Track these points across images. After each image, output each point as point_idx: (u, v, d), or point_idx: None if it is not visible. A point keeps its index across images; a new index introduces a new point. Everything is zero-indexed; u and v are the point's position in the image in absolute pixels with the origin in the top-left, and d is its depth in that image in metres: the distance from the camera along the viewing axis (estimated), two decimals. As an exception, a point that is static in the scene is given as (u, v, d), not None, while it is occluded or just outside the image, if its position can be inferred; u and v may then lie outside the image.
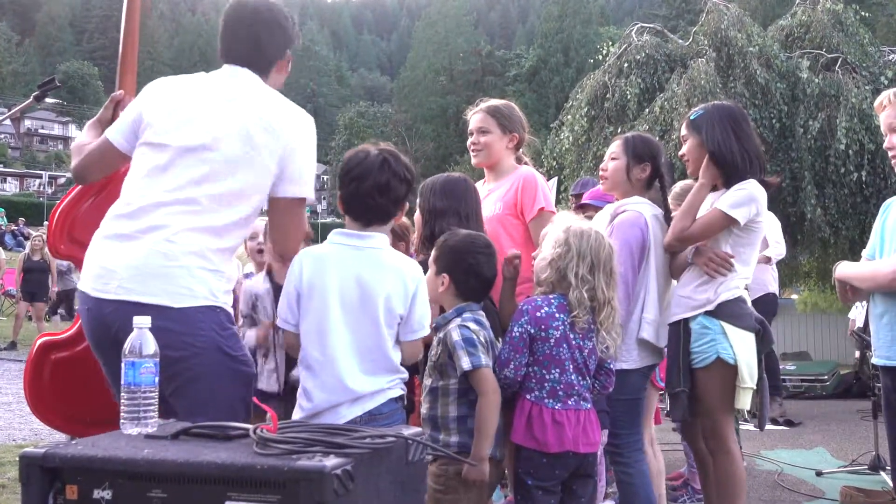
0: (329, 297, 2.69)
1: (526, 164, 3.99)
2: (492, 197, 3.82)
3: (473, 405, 2.95)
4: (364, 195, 2.75)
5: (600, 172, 3.98)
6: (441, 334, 3.01)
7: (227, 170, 2.61)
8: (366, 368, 2.68)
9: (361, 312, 2.68)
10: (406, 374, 2.81)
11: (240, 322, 3.84)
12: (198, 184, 2.60)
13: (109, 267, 2.57)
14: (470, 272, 3.07)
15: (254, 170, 2.64)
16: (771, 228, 7.44)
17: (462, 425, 2.96)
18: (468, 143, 3.94)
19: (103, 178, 3.04)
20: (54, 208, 3.31)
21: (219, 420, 2.48)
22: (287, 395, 3.47)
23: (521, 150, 3.95)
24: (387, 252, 2.79)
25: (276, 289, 3.64)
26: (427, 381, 3.08)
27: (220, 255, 2.63)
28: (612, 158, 3.83)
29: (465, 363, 2.90)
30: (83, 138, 3.01)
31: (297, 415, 2.74)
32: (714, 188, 3.68)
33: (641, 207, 3.67)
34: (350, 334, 2.67)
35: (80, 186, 3.22)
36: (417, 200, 3.54)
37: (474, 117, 3.91)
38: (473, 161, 3.95)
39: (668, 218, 3.74)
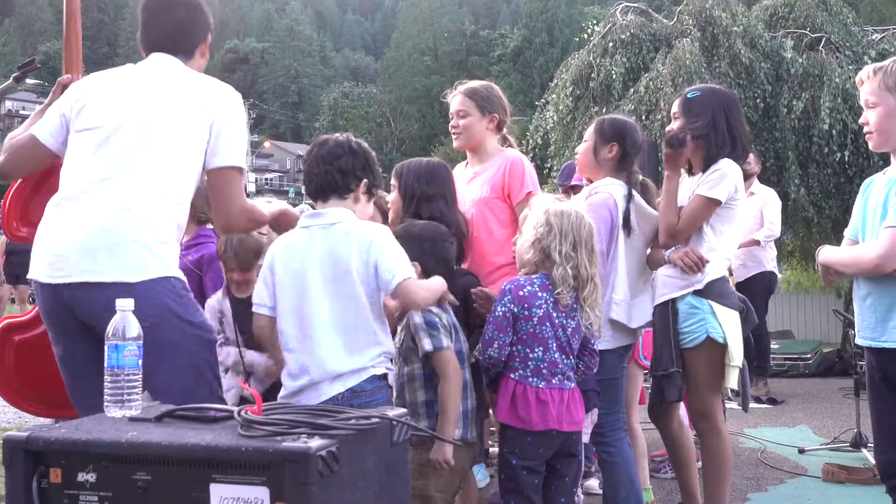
0: (304, 278, 2.71)
1: (511, 146, 3.97)
2: (478, 180, 3.81)
3: None
4: (309, 169, 2.83)
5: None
6: (404, 320, 3.03)
7: (163, 144, 2.65)
8: (349, 346, 2.68)
9: (337, 288, 2.69)
10: (392, 350, 2.81)
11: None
12: (137, 157, 2.63)
13: (60, 252, 2.57)
14: (440, 260, 3.12)
15: (187, 143, 2.68)
16: (769, 206, 7.45)
17: (431, 409, 2.99)
18: (449, 125, 3.92)
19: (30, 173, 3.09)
20: (5, 194, 3.25)
21: (189, 384, 2.53)
22: None
23: (504, 130, 3.93)
24: (346, 223, 2.76)
25: (235, 305, 3.70)
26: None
27: (168, 226, 2.65)
28: (585, 141, 3.82)
29: (427, 345, 2.92)
30: (21, 129, 3.01)
31: (281, 394, 2.77)
32: (690, 172, 3.69)
33: (612, 188, 3.65)
34: (330, 312, 2.68)
35: None
36: (392, 182, 3.53)
37: (454, 100, 3.89)
38: (455, 144, 3.93)
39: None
